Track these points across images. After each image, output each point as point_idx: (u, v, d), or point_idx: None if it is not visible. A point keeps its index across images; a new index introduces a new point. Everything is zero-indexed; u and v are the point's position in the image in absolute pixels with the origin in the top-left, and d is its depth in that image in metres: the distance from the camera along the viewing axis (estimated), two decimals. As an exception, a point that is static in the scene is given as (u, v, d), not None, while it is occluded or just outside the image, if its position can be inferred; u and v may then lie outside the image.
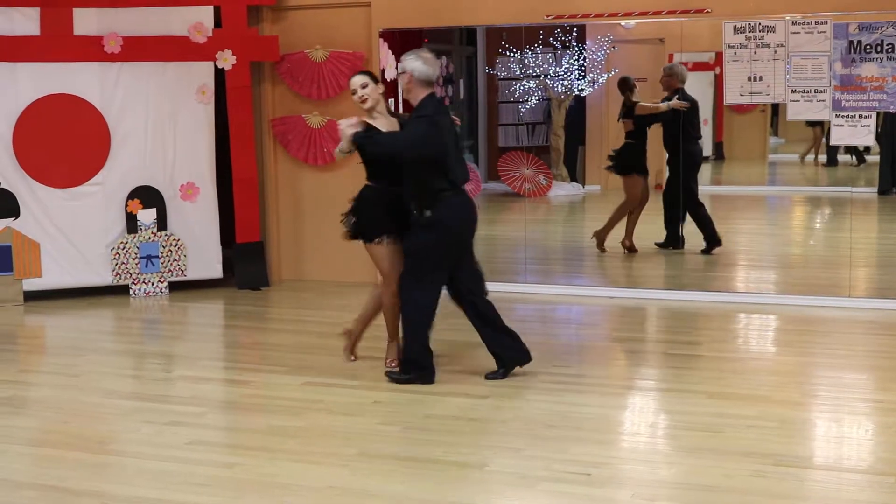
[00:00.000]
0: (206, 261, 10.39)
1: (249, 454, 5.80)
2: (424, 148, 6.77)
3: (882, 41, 8.84)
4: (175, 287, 10.28)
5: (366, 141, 6.88)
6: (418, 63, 6.85)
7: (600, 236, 11.10)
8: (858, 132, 9.00)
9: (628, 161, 11.08)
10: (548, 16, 9.77)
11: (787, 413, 6.31)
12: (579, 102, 12.07)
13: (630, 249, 11.04)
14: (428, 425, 6.20)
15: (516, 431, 6.05)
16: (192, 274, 10.36)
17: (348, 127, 6.91)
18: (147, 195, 10.13)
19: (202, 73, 10.21)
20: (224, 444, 6.18)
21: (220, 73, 10.27)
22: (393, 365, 7.28)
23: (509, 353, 7.12)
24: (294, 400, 6.76)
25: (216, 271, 10.46)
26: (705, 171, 12.90)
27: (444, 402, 6.63)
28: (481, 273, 7.19)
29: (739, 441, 5.81)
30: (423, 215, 6.83)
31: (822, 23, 8.98)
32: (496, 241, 12.42)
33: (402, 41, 10.37)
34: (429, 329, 7.00)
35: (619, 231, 10.98)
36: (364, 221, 7.16)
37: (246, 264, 10.48)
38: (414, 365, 7.02)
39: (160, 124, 10.14)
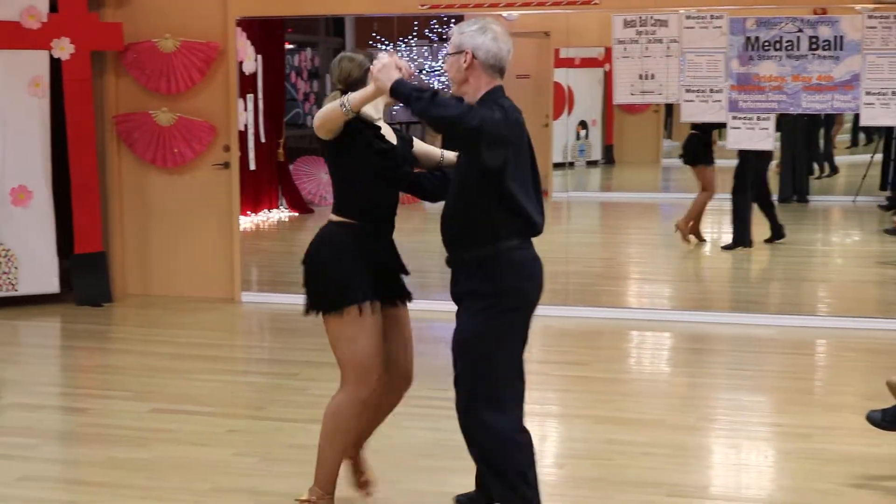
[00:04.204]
0: (41, 274, 10.22)
1: (89, 491, 5.72)
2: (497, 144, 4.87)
3: (781, 38, 9.06)
4: (5, 303, 10.09)
5: (419, 95, 4.94)
6: (485, 38, 4.87)
7: (682, 228, 11.27)
8: (756, 135, 9.21)
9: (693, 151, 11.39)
10: (423, 5, 9.81)
11: (681, 439, 6.42)
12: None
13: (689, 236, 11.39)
14: (289, 456, 6.17)
15: (388, 462, 6.04)
16: (25, 288, 10.18)
17: (390, 66, 4.97)
18: (-28, 200, 9.95)
19: (36, 63, 10.03)
20: (60, 479, 6.08)
21: (56, 64, 10.11)
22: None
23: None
24: (139, 429, 6.67)
25: (52, 285, 10.29)
26: (594, 177, 13.10)
27: (308, 430, 6.57)
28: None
29: (631, 470, 5.89)
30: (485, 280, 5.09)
31: (717, 17, 9.19)
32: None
33: (261, 30, 10.36)
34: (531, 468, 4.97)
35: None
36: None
37: (85, 278, 10.34)
38: None
39: (-13, 120, 9.97)
